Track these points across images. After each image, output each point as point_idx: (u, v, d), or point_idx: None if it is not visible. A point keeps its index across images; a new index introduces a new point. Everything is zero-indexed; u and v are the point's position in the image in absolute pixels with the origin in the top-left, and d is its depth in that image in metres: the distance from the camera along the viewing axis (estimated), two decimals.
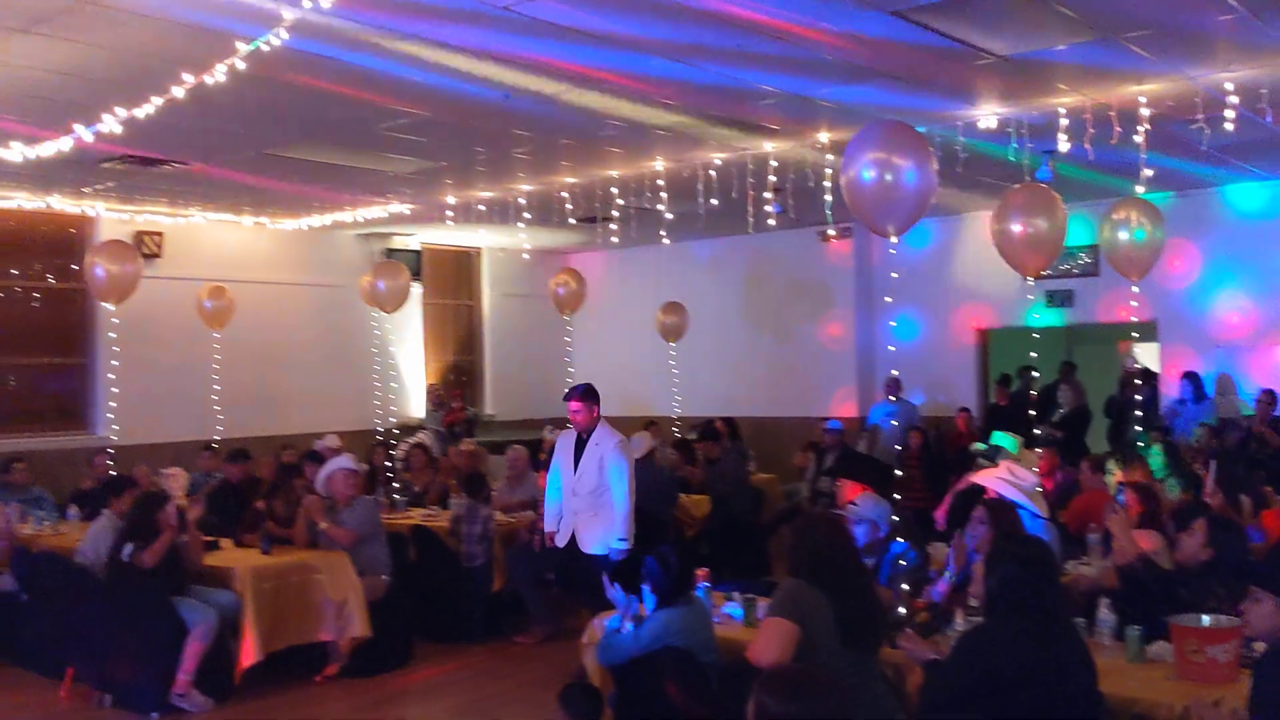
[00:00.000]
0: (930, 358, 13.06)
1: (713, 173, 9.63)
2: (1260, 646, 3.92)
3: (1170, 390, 11.60)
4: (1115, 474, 7.88)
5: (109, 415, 10.09)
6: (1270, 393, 10.53)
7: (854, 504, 5.88)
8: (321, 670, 7.35)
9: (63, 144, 7.84)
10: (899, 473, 6.35)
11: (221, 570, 7.20)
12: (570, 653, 6.24)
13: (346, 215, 12.22)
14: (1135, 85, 7.35)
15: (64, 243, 11.69)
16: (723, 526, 9.86)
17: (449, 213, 11.69)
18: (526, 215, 11.41)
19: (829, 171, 8.94)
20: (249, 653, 6.88)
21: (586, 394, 7.45)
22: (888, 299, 12.63)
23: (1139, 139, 7.86)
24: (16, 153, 8.18)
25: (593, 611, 7.71)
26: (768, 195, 9.98)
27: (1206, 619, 4.22)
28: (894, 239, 5.58)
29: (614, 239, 11.91)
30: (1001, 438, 9.14)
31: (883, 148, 5.48)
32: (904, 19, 5.99)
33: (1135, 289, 8.07)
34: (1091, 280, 12.12)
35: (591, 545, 7.23)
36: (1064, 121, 7.85)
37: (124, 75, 6.62)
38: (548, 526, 7.59)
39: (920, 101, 7.69)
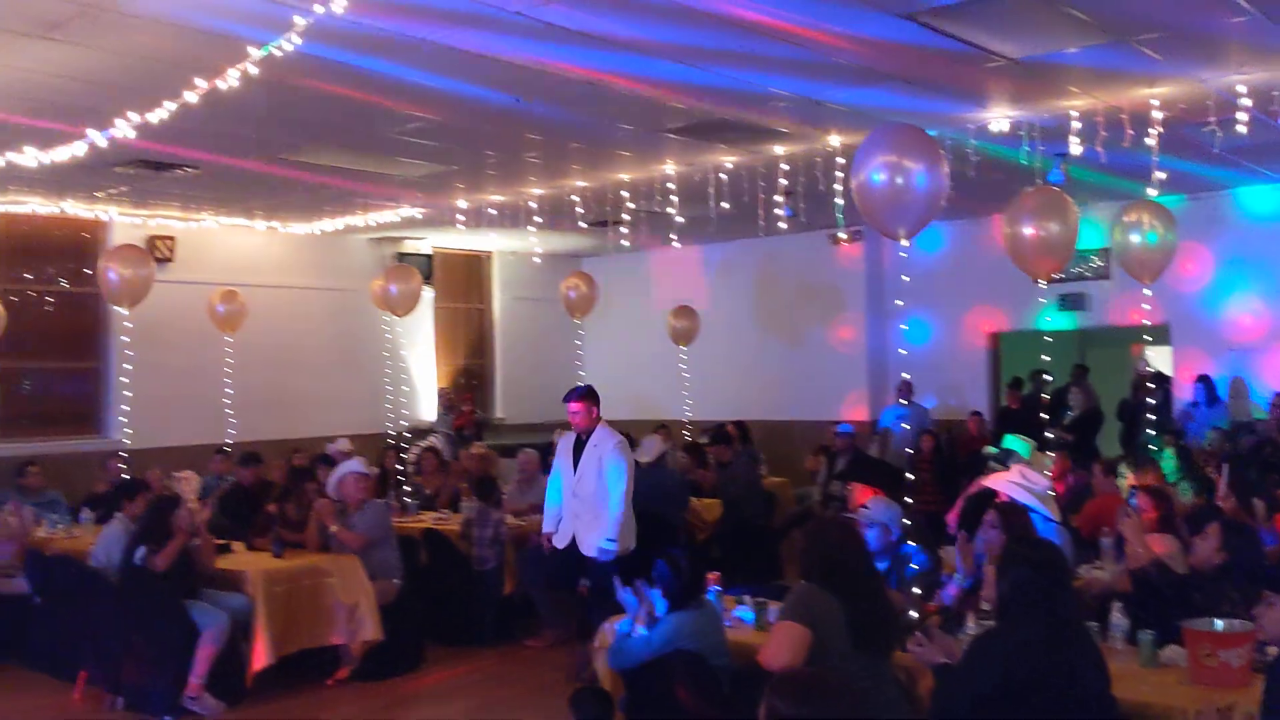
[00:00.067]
0: (942, 361, 13.03)
1: (723, 176, 9.63)
2: (1274, 651, 3.91)
3: (1183, 393, 11.55)
4: (1128, 477, 7.85)
5: (122, 419, 10.12)
6: None
7: (865, 507, 5.87)
8: (333, 674, 7.36)
9: (76, 148, 7.88)
10: (910, 476, 6.33)
11: (233, 574, 7.22)
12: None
13: (358, 219, 12.25)
14: (1147, 88, 7.33)
15: (77, 247, 11.75)
16: (734, 530, 9.85)
17: (460, 216, 11.71)
18: (537, 219, 11.43)
19: (840, 175, 8.93)
20: (260, 656, 6.90)
21: (586, 395, 7.39)
22: (899, 302, 12.60)
23: (1151, 142, 7.84)
24: (31, 157, 8.22)
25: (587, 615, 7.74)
26: (778, 199, 9.98)
27: (1219, 623, 4.20)
28: (905, 242, 5.58)
29: (625, 242, 11.91)
30: (1013, 441, 9.11)
31: (893, 151, 5.47)
32: (915, 22, 5.99)
33: (1147, 292, 8.04)
34: (1103, 283, 12.08)
35: (592, 548, 7.14)
36: (1076, 124, 7.83)
37: (137, 80, 6.65)
38: (546, 528, 7.50)
39: (931, 104, 7.68)
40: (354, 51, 6.30)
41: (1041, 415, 8.35)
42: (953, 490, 9.52)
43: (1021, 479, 6.27)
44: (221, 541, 7.73)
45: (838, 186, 9.06)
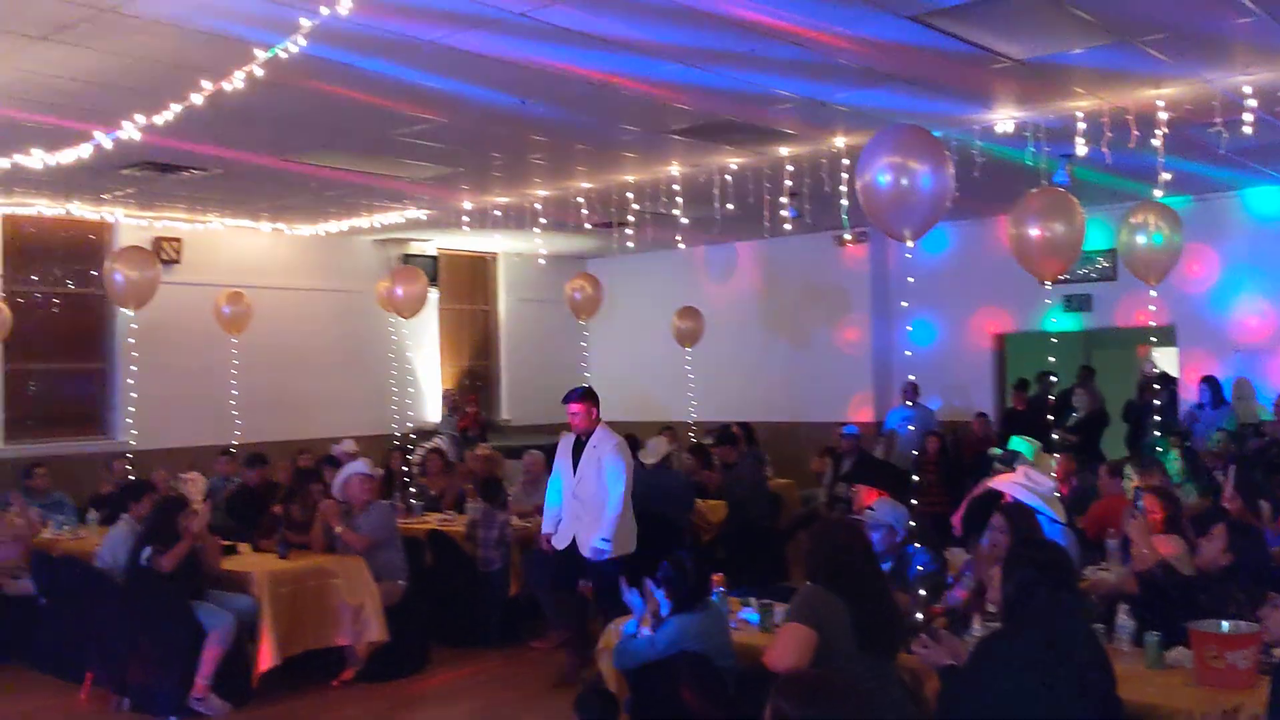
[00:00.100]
0: (947, 363, 13.02)
1: (728, 177, 9.64)
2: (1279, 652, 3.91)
3: (1189, 395, 11.53)
4: (1133, 479, 7.84)
5: (128, 420, 10.15)
6: None
7: (871, 509, 5.87)
8: (338, 675, 7.37)
9: (83, 150, 7.91)
10: (915, 478, 6.32)
11: (239, 575, 7.23)
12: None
13: (363, 221, 12.27)
14: (1153, 89, 7.32)
15: (84, 249, 11.78)
16: (739, 532, 9.85)
17: (465, 218, 11.72)
18: (542, 220, 11.43)
19: (845, 176, 8.93)
20: (266, 657, 6.91)
21: (586, 396, 7.35)
22: (904, 304, 12.61)
23: (1157, 143, 7.83)
24: (37, 159, 8.25)
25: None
26: (784, 200, 9.97)
27: (1226, 625, 4.20)
28: (910, 243, 5.57)
29: (630, 244, 11.91)
30: (1019, 442, 9.11)
31: (898, 152, 5.47)
32: (920, 23, 5.98)
33: (1153, 293, 8.03)
34: (1109, 284, 12.07)
35: (591, 552, 7.09)
36: (1081, 125, 7.82)
37: (143, 82, 6.66)
38: (546, 529, 7.44)
39: (936, 105, 7.68)
40: (359, 54, 6.31)
41: (1047, 416, 8.34)
42: (958, 492, 9.51)
43: (1027, 480, 6.27)
44: (227, 543, 7.74)
45: (843, 188, 9.05)
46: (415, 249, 13.97)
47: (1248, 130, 7.67)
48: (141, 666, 6.85)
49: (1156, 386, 10.27)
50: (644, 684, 4.95)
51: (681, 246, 12.05)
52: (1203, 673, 4.11)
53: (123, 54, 6.18)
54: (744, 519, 9.94)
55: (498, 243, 14.52)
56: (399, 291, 10.93)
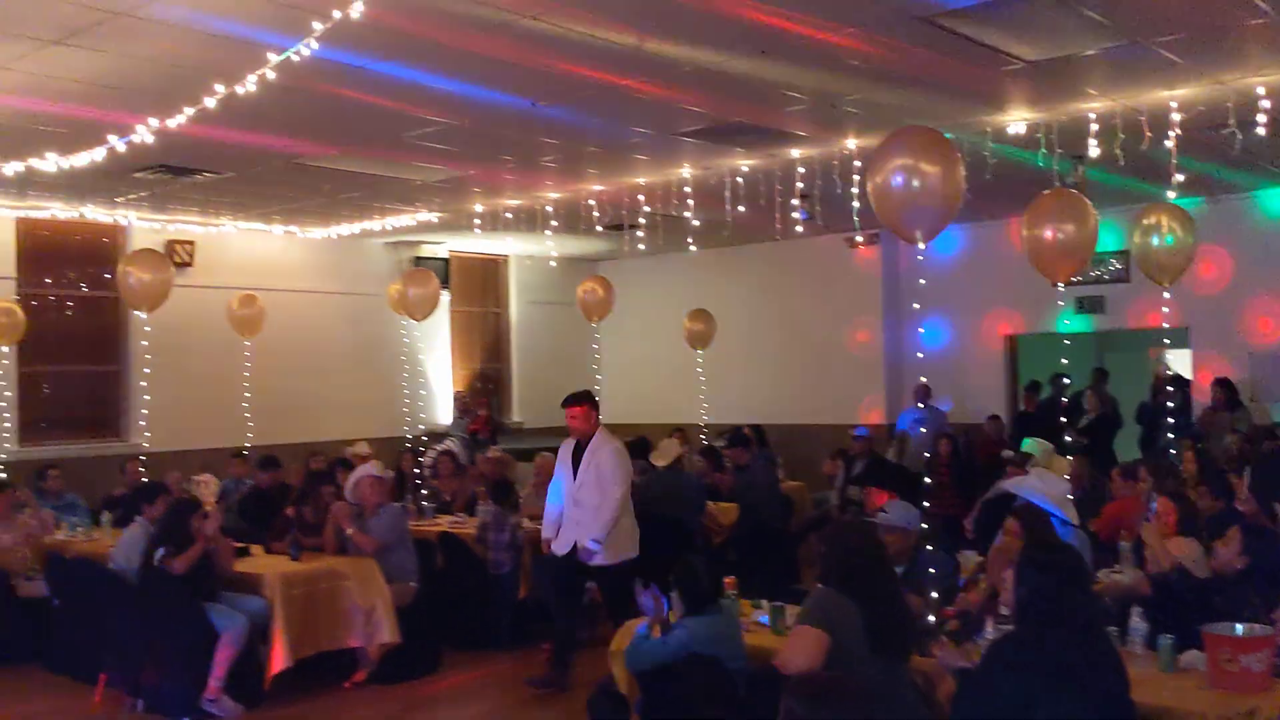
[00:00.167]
0: (959, 364, 12.99)
1: (740, 180, 9.63)
2: None
3: (1203, 397, 11.48)
4: (1146, 481, 7.81)
5: (141, 422, 10.18)
6: None
7: (883, 511, 5.86)
8: (350, 676, 7.39)
9: (97, 153, 7.95)
10: (928, 480, 6.31)
11: (252, 577, 7.25)
12: (598, 660, 6.24)
13: (375, 223, 12.30)
14: (1165, 90, 7.30)
15: (97, 251, 11.83)
16: (751, 534, 9.84)
17: (476, 221, 11.74)
18: (554, 223, 11.44)
19: (856, 178, 8.92)
20: (279, 659, 6.93)
21: (585, 400, 7.26)
22: (916, 305, 12.57)
23: (1169, 144, 7.80)
24: (51, 162, 8.29)
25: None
26: (795, 202, 9.97)
27: (1240, 628, 4.18)
28: (922, 245, 5.56)
29: (641, 246, 11.92)
30: (1031, 444, 9.09)
31: (910, 153, 5.46)
32: (931, 24, 5.97)
33: (1166, 295, 8.00)
34: (1122, 286, 12.03)
35: (593, 557, 7.04)
36: (1094, 126, 7.80)
37: (158, 85, 6.69)
38: (546, 534, 7.35)
39: (948, 107, 7.67)
40: (371, 56, 6.32)
41: (1059, 419, 8.31)
42: (970, 494, 9.50)
43: (1040, 482, 6.25)
44: (240, 545, 7.76)
45: (854, 190, 9.04)
46: (427, 251, 13.99)
47: (1261, 131, 7.64)
48: (155, 668, 6.87)
49: (1170, 388, 10.22)
50: (655, 686, 4.95)
51: (693, 249, 12.04)
52: (1217, 676, 4.09)
53: (136, 57, 6.21)
54: (756, 521, 9.93)
55: (509, 245, 14.55)
56: (411, 294, 10.95)
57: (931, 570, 5.45)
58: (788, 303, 14.48)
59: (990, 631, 4.67)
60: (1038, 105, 7.71)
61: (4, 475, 9.81)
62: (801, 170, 9.29)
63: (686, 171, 9.65)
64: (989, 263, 12.73)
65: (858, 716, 2.84)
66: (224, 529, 7.53)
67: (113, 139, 7.63)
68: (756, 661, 4.80)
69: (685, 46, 6.33)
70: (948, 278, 12.62)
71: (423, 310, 11.02)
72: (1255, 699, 3.90)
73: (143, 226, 11.70)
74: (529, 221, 11.60)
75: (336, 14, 5.37)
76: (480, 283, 15.60)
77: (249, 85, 6.37)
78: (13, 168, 8.50)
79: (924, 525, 5.74)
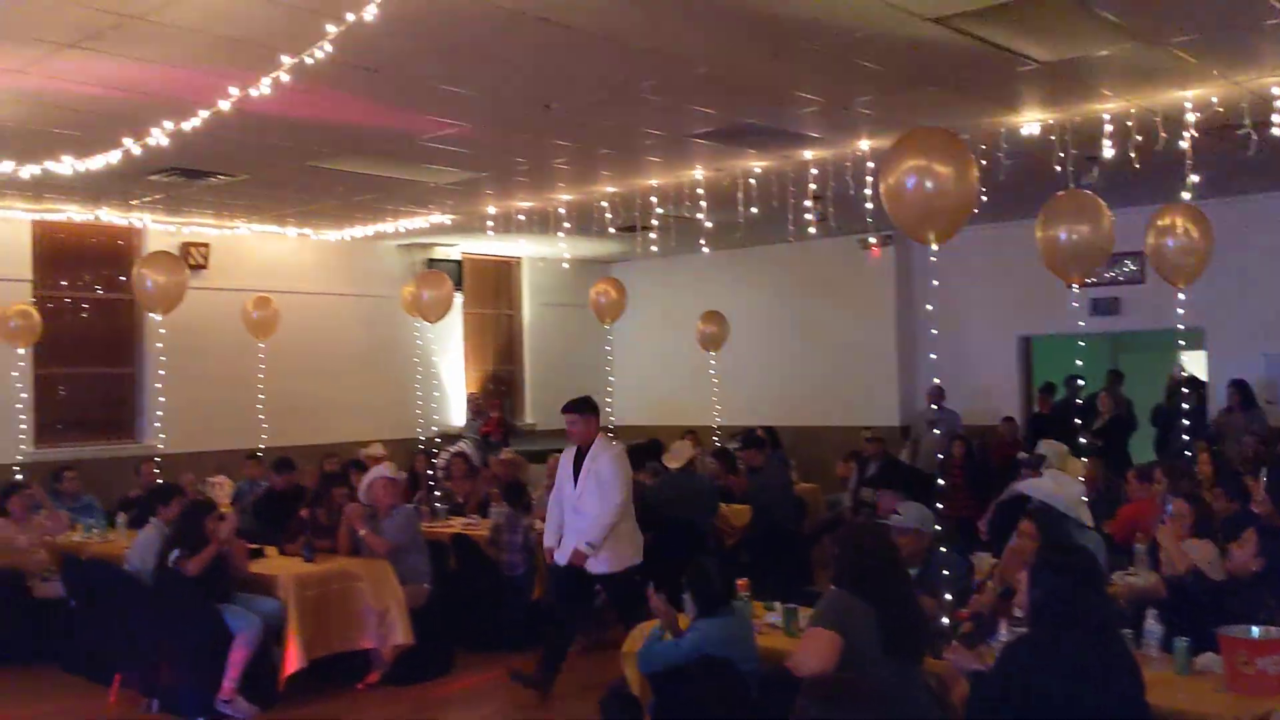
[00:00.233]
0: (973, 366, 12.95)
1: (752, 181, 9.63)
2: None
3: (1218, 398, 11.43)
4: (1161, 483, 7.78)
5: (156, 424, 10.23)
6: None
7: (897, 513, 5.85)
8: (363, 678, 7.40)
9: (112, 156, 7.99)
10: (942, 482, 6.28)
11: (266, 578, 7.27)
12: (610, 662, 6.24)
13: (388, 226, 12.34)
14: (1180, 90, 7.27)
15: (112, 254, 11.89)
16: (764, 536, 9.83)
17: (489, 223, 11.76)
18: (566, 225, 11.46)
19: (870, 179, 8.91)
20: (292, 660, 6.94)
21: (583, 406, 7.16)
22: (929, 307, 12.51)
23: (1184, 144, 7.77)
24: (67, 166, 8.34)
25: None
26: (808, 203, 9.95)
27: (1256, 630, 4.16)
28: (935, 246, 5.55)
29: (654, 248, 11.92)
30: (1045, 446, 9.06)
31: (923, 155, 5.44)
32: (945, 25, 5.96)
33: (1181, 296, 7.97)
34: (1137, 287, 11.99)
35: (595, 565, 6.97)
36: (1108, 127, 7.77)
37: (171, 88, 6.72)
38: (548, 542, 7.26)
39: (962, 108, 7.65)
40: (385, 59, 6.34)
41: (1074, 420, 8.28)
42: (984, 496, 9.47)
43: (1054, 484, 6.23)
44: (254, 546, 7.79)
45: (868, 191, 9.03)
46: (440, 254, 14.03)
47: (1277, 132, 7.60)
48: (169, 668, 6.91)
49: (1185, 390, 10.17)
50: (668, 687, 4.95)
51: (705, 250, 12.03)
52: (1233, 678, 4.07)
53: (151, 60, 6.24)
54: (769, 523, 9.92)
55: (522, 247, 14.57)
56: (425, 296, 10.97)
57: (945, 572, 5.43)
58: (801, 304, 14.46)
59: (1004, 634, 4.66)
60: (1052, 106, 7.69)
61: (20, 476, 9.87)
62: (814, 172, 9.28)
63: (699, 173, 9.65)
64: (1003, 264, 12.68)
65: (871, 718, 2.83)
66: (238, 530, 7.55)
67: (128, 142, 7.67)
68: (769, 663, 4.79)
69: (698, 48, 6.33)
70: (961, 279, 12.56)
71: (436, 312, 11.04)
72: (1271, 701, 3.88)
73: (158, 229, 11.75)
74: (542, 223, 11.62)
75: (350, 17, 5.39)
76: (493, 285, 15.63)
77: (263, 88, 6.40)
78: (29, 170, 8.55)
79: (938, 527, 5.73)
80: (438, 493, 10.19)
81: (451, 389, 14.43)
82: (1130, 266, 11.99)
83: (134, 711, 6.99)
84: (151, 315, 9.92)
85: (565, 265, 13.84)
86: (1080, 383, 10.80)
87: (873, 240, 13.35)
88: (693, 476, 9.75)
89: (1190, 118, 7.52)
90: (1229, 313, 11.40)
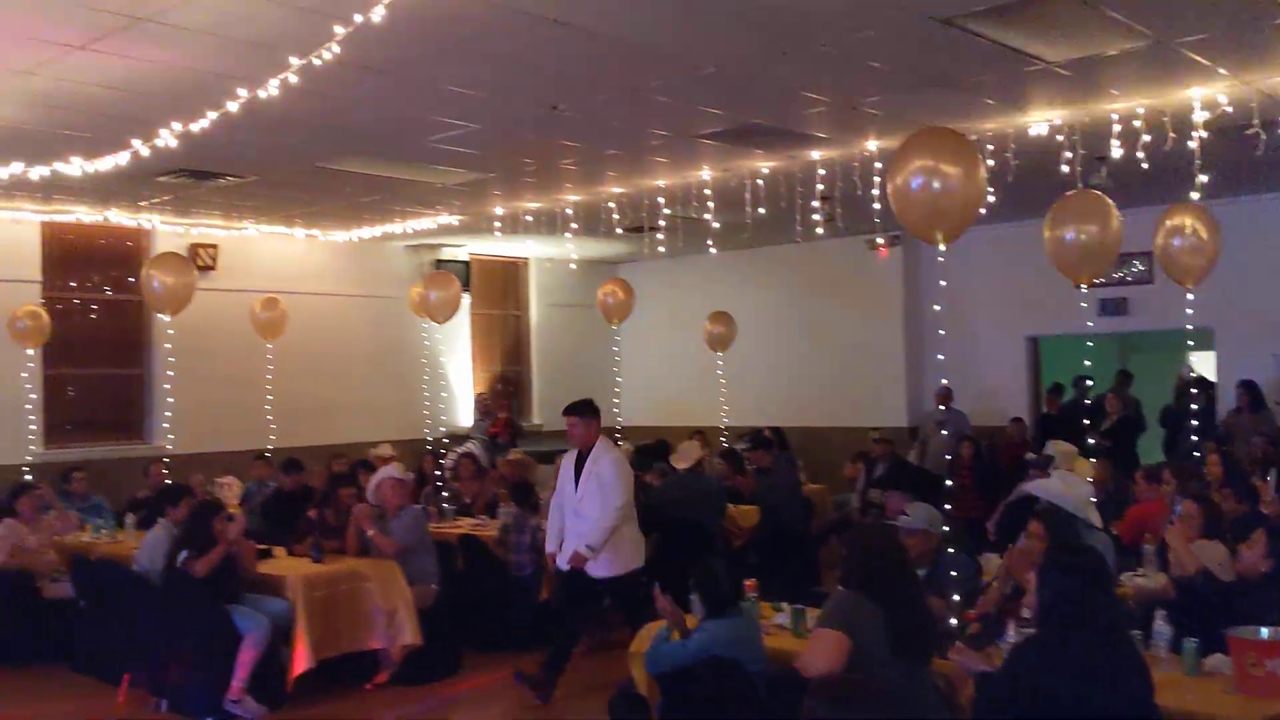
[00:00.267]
0: (981, 367, 12.93)
1: (760, 181, 9.62)
2: None
3: (1228, 399, 11.40)
4: (1169, 484, 7.76)
5: (164, 425, 10.25)
6: None
7: (905, 514, 5.85)
8: (372, 678, 7.41)
9: (121, 158, 8.01)
10: (950, 483, 6.28)
11: (274, 578, 7.29)
12: (617, 662, 6.25)
13: (396, 227, 12.35)
14: (1189, 90, 7.25)
15: (121, 255, 11.91)
16: (772, 537, 9.82)
17: (497, 224, 11.77)
18: (574, 225, 11.46)
19: (877, 179, 8.90)
20: (301, 660, 6.96)
21: (583, 409, 7.14)
22: (936, 307, 12.52)
23: (1193, 144, 7.75)
24: (76, 167, 8.36)
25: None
26: (815, 204, 9.95)
27: (1265, 631, 4.15)
28: (943, 247, 5.54)
29: (661, 249, 11.91)
30: (1054, 447, 9.05)
31: (931, 155, 5.44)
32: (953, 25, 5.95)
33: (1190, 296, 7.95)
34: (1146, 288, 11.96)
35: (597, 569, 6.96)
36: (1117, 127, 7.76)
37: (179, 90, 6.74)
38: (550, 547, 7.25)
39: (969, 108, 7.64)
40: (392, 60, 6.35)
41: (1082, 421, 8.27)
42: (993, 497, 9.46)
43: (1062, 485, 6.22)
44: (262, 547, 7.81)
45: (875, 191, 9.02)
46: (447, 254, 14.05)
47: None
48: (178, 669, 6.93)
49: (1193, 391, 10.14)
50: (675, 688, 4.95)
51: (713, 251, 12.03)
52: (1242, 680, 4.07)
53: (160, 62, 6.25)
54: (777, 524, 9.91)
55: (529, 248, 14.57)
56: (433, 296, 10.98)
57: (954, 573, 5.43)
58: (808, 305, 14.45)
59: (1012, 634, 4.65)
60: (1060, 106, 7.67)
61: (29, 477, 9.89)
62: (822, 172, 9.28)
63: (706, 174, 9.65)
64: (1011, 264, 12.65)
65: (879, 719, 2.83)
66: (246, 531, 7.56)
67: (136, 143, 7.70)
68: (777, 664, 4.79)
69: (705, 48, 6.33)
70: (969, 279, 12.55)
71: (444, 313, 11.06)
72: None
73: (166, 230, 11.78)
74: (549, 224, 11.63)
75: (358, 18, 5.40)
76: (500, 285, 15.64)
77: (271, 89, 6.41)
78: (38, 172, 8.57)
79: (946, 528, 5.72)
80: (446, 493, 10.20)
81: (459, 390, 14.44)
82: (1139, 267, 11.97)
83: (143, 711, 7.01)
84: (160, 316, 9.94)
85: (573, 266, 13.85)
86: (1089, 383, 10.77)
87: (880, 241, 13.33)
88: (700, 477, 9.74)
89: (1199, 117, 7.49)
90: (1238, 313, 11.36)
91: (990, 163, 8.00)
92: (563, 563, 7.10)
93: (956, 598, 5.25)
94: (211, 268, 12.08)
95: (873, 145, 8.62)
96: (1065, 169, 8.28)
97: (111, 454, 11.35)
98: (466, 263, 14.30)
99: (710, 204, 10.10)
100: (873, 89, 7.19)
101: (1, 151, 8.24)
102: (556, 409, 15.07)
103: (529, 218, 11.48)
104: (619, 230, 11.56)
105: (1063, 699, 3.55)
